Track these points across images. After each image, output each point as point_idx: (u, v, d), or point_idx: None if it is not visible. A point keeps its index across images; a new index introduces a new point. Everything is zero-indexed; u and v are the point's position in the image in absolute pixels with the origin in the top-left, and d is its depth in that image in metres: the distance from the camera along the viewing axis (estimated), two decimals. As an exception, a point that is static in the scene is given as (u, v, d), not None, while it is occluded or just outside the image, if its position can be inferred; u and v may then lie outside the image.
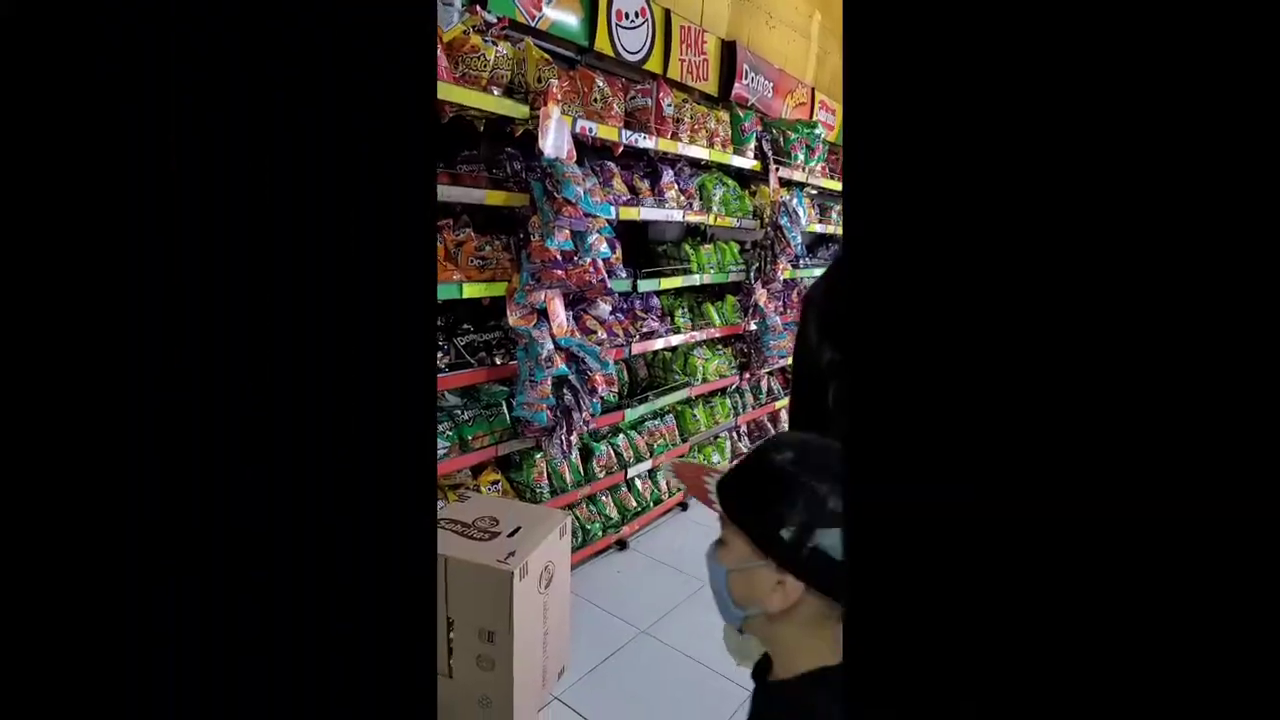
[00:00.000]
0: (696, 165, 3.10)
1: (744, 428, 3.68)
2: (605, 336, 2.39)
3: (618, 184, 2.56)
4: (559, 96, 2.02)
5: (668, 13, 2.80)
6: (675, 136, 2.66)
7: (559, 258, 2.00)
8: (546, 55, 2.04)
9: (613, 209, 2.27)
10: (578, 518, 2.52)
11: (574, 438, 2.30)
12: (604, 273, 2.15)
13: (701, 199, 3.03)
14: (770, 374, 3.94)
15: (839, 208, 4.33)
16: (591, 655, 2.03)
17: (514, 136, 2.15)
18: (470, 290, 1.95)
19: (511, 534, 1.74)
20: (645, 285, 2.66)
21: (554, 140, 1.99)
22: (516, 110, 1.96)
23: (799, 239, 3.47)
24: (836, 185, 4.01)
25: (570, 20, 2.35)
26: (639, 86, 2.54)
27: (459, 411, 2.13)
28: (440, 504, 2.12)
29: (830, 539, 0.62)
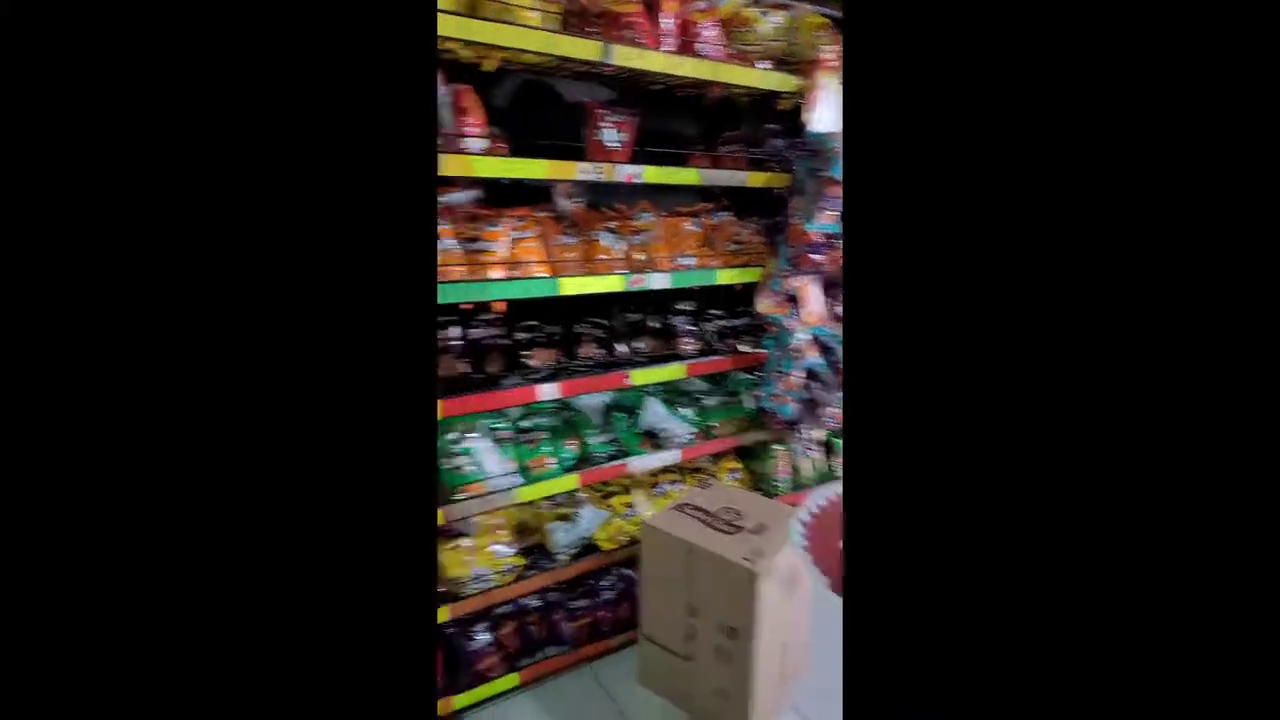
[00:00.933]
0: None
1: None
2: (859, 326, 2.20)
3: (884, 157, 2.30)
4: (832, 64, 1.84)
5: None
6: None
7: (819, 241, 1.86)
8: (826, 19, 1.87)
9: (881, 186, 2.04)
10: (813, 515, 2.39)
11: (819, 432, 2.17)
12: (867, 258, 1.96)
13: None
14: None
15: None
16: (827, 665, 1.92)
17: (778, 111, 2.02)
18: (724, 276, 1.90)
19: (755, 530, 1.69)
20: (907, 270, 2.38)
21: (825, 113, 1.82)
22: (784, 84, 1.83)
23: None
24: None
25: (841, -24, 2.13)
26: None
27: (704, 397, 2.12)
28: (680, 486, 2.15)
29: None
